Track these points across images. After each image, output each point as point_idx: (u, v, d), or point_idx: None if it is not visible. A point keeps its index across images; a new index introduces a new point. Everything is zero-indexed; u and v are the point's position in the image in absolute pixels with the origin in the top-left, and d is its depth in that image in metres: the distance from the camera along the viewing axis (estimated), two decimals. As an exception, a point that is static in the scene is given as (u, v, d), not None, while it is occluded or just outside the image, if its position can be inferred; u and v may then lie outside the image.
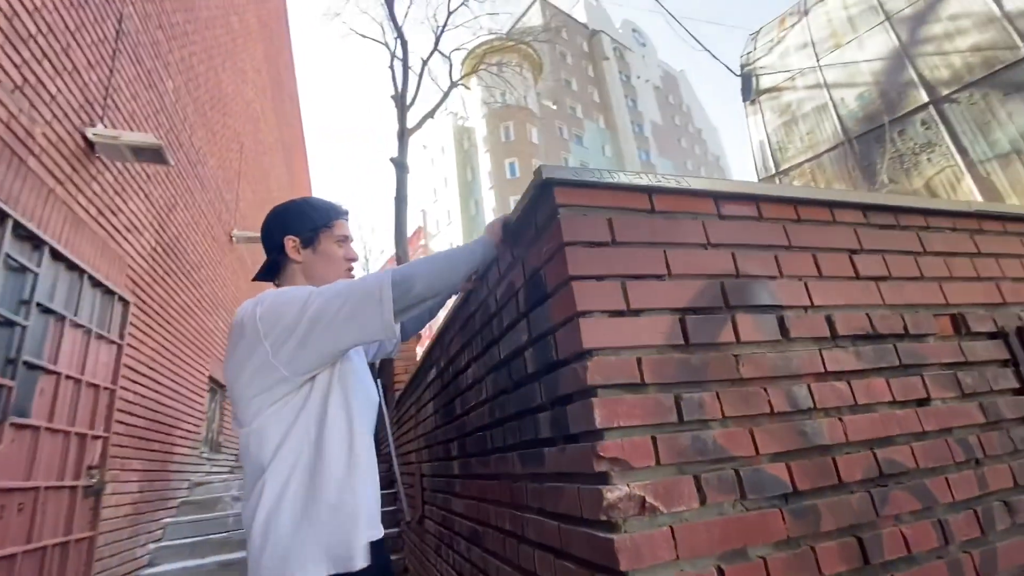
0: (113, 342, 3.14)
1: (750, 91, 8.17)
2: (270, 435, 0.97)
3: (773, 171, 7.24)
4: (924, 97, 5.80)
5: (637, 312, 0.97)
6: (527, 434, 1.18)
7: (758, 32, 9.20)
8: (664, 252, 1.03)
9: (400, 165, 12.55)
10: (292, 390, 0.99)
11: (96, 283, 2.97)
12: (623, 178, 1.06)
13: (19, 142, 2.34)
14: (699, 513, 0.87)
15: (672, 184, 1.10)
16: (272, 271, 1.19)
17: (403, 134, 13.03)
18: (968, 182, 5.21)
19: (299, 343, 0.96)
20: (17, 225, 2.31)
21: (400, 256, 11.20)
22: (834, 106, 6.79)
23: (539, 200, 1.08)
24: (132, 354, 3.45)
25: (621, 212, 1.04)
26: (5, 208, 2.22)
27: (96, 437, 2.95)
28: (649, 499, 0.85)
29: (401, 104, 13.02)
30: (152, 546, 3.74)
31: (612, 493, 0.83)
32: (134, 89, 3.42)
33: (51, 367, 2.56)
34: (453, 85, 15.55)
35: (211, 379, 5.39)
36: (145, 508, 3.68)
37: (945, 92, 5.67)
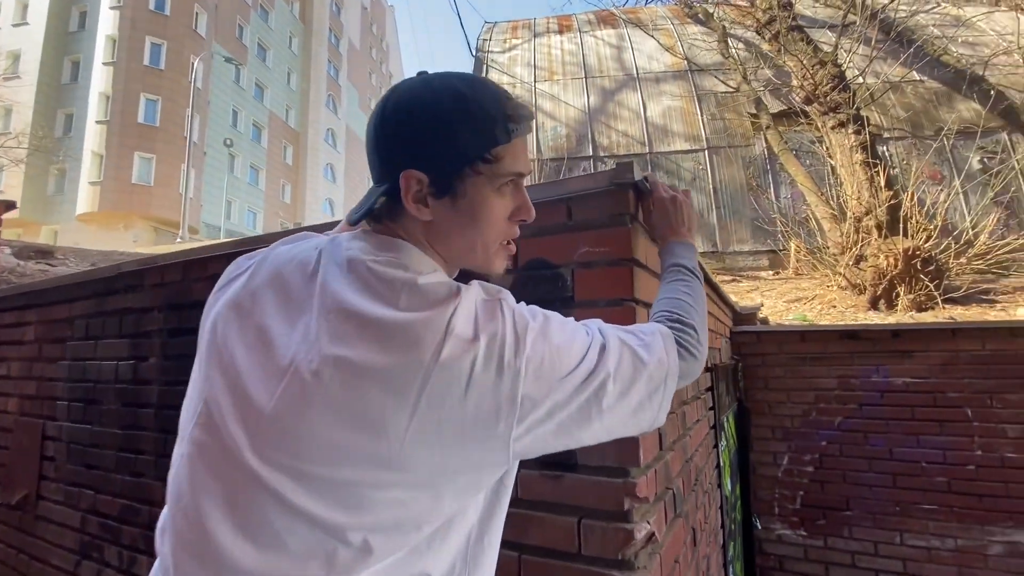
0: None
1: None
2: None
3: (481, 158, 8.20)
4: (590, 152, 7.89)
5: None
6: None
7: (495, 25, 10.13)
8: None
9: None
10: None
11: None
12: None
13: None
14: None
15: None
16: (370, 212, 0.59)
17: None
18: (593, 222, 7.43)
19: (565, 419, 0.54)
20: None
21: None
22: (536, 127, 8.30)
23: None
24: None
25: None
26: None
27: None
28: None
29: None
30: None
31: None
32: None
33: None
34: None
35: None
36: None
37: (602, 154, 7.88)
